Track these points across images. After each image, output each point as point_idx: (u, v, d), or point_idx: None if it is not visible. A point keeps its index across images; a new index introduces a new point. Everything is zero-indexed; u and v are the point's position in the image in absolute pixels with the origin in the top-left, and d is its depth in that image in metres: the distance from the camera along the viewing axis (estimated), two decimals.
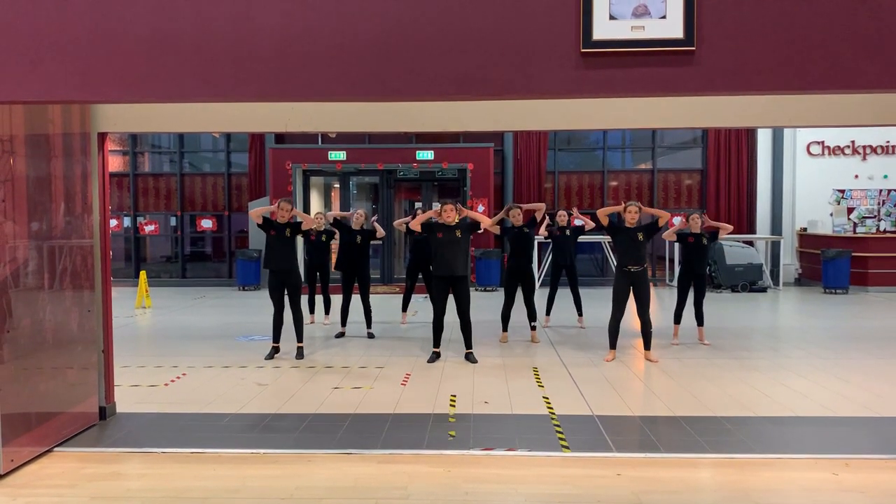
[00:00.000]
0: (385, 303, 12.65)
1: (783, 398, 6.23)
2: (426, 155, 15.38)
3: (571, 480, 4.33)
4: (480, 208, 15.22)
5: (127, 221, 17.04)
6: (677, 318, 8.87)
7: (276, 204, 7.97)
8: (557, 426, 5.40)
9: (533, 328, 9.06)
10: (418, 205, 16.05)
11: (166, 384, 6.85)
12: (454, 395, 6.28)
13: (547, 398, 6.21)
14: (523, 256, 8.88)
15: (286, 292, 7.98)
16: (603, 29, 3.54)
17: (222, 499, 4.08)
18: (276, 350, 8.01)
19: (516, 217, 8.89)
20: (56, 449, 4.90)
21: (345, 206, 16.72)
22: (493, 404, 6.03)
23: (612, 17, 3.54)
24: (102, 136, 5.54)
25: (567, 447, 4.93)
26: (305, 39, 3.66)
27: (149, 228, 17.01)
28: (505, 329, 9.07)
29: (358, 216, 9.39)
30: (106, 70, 3.71)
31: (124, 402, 5.98)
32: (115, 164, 16.85)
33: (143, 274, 12.84)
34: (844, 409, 5.91)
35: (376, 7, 3.65)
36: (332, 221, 9.55)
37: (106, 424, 5.51)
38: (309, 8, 3.66)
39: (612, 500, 4.01)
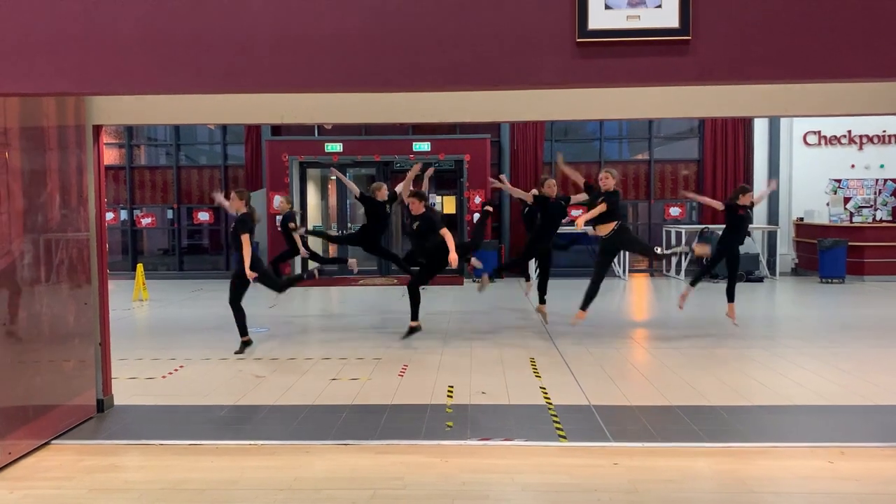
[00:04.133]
0: (382, 294, 12.66)
1: (779, 387, 6.25)
2: (423, 146, 15.34)
3: (568, 470, 4.34)
4: (477, 199, 15.22)
5: (124, 214, 16.99)
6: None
7: None
8: (554, 416, 5.42)
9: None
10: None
11: (164, 376, 6.85)
12: (451, 386, 6.30)
13: (544, 388, 6.23)
14: (552, 229, 8.98)
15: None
16: (598, 18, 3.53)
17: (220, 490, 4.09)
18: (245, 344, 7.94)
19: (551, 188, 8.88)
20: (54, 442, 4.90)
21: (341, 198, 16.72)
22: (490, 395, 6.04)
23: (607, 7, 3.53)
24: (97, 129, 5.52)
25: (564, 437, 4.94)
26: (301, 30, 3.65)
27: (145, 221, 16.98)
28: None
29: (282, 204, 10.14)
30: (100, 62, 3.69)
31: (122, 394, 5.98)
32: (112, 156, 16.79)
33: (140, 267, 12.82)
34: (840, 397, 5.93)
35: None
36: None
37: (103, 417, 5.51)
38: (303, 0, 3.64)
39: (608, 490, 4.03)
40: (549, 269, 9.30)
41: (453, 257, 7.75)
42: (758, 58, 3.55)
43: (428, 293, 10.71)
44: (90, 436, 5.09)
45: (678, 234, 15.32)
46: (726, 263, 8.78)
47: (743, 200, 8.67)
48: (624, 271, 15.36)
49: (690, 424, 5.16)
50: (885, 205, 15.79)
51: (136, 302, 12.26)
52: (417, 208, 8.06)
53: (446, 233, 7.96)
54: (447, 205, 16.48)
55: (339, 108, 5.37)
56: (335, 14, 3.63)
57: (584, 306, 8.07)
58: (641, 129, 16.69)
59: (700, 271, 8.95)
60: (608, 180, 7.80)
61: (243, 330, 7.91)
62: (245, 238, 7.58)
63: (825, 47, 3.53)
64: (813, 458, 4.51)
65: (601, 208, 7.65)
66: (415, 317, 8.25)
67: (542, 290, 9.31)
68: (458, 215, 15.88)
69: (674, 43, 3.56)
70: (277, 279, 8.44)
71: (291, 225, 10.14)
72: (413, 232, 8.11)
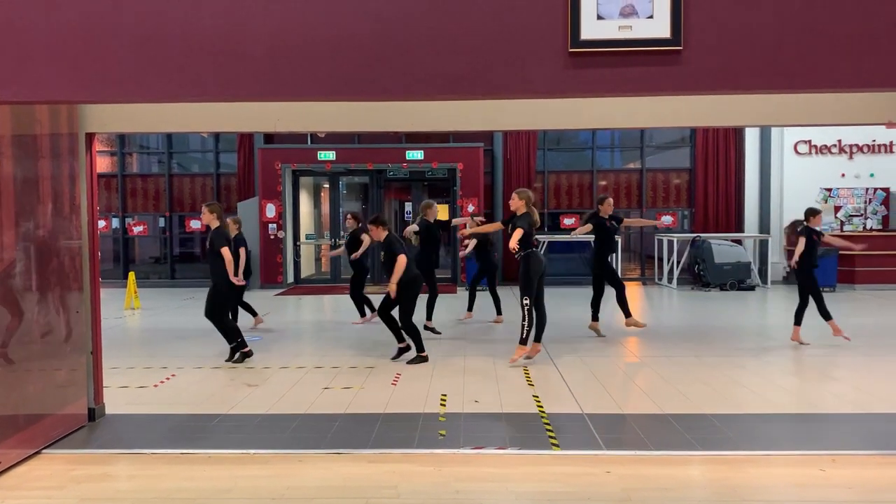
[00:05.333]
0: (375, 302, 12.61)
1: (771, 395, 6.27)
2: (416, 155, 15.38)
3: (561, 478, 4.34)
4: (471, 208, 15.24)
5: (115, 222, 16.95)
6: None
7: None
8: (547, 424, 5.42)
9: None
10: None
11: (156, 385, 6.82)
12: (444, 395, 6.29)
13: (537, 397, 6.23)
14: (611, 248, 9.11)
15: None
16: (591, 29, 3.56)
17: (213, 499, 4.07)
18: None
19: (609, 206, 9.05)
20: (45, 451, 4.87)
21: (335, 206, 16.71)
22: (483, 403, 6.04)
23: (599, 17, 3.56)
24: (90, 137, 5.51)
25: (557, 445, 4.95)
26: (296, 39, 3.66)
27: (137, 229, 16.94)
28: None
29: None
30: (94, 70, 3.70)
31: (113, 403, 5.95)
32: (104, 164, 16.75)
33: (131, 275, 12.78)
34: (831, 405, 5.95)
35: (367, 7, 3.65)
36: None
37: (95, 426, 5.48)
38: (300, 8, 3.66)
39: (602, 498, 4.03)
40: (622, 286, 9.10)
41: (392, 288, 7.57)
42: (749, 68, 3.59)
43: (420, 301, 10.70)
44: (81, 445, 5.07)
45: (670, 243, 15.37)
46: (809, 290, 8.52)
47: (813, 223, 8.49)
48: None
49: (683, 432, 5.17)
50: (876, 213, 15.90)
51: (127, 310, 12.22)
52: (378, 236, 7.78)
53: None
54: (440, 213, 16.50)
55: (332, 117, 5.38)
56: (331, 24, 3.65)
57: (537, 338, 7.67)
58: (633, 139, 16.77)
59: (799, 308, 8.64)
60: (514, 202, 7.62)
61: (231, 338, 7.89)
62: (225, 251, 7.61)
63: (816, 58, 3.57)
64: (804, 465, 4.52)
65: (517, 234, 7.30)
66: (420, 348, 7.80)
67: (622, 305, 9.07)
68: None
69: (665, 53, 3.59)
70: (229, 324, 8.00)
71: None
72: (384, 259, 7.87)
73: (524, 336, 7.45)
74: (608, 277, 9.10)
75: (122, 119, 5.52)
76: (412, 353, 7.75)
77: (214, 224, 7.76)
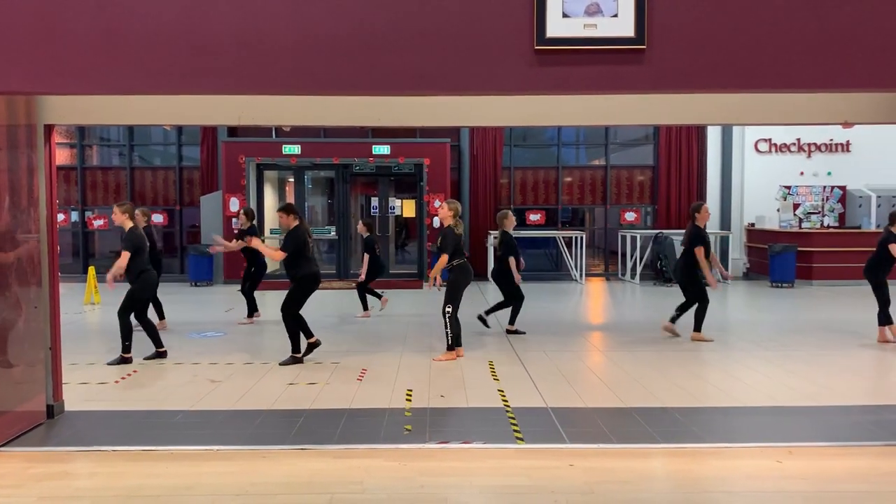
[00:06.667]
0: (340, 298, 12.59)
1: (731, 389, 6.39)
2: (382, 149, 15.30)
3: (526, 472, 4.39)
4: (437, 203, 15.25)
5: (75, 216, 16.62)
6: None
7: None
8: (512, 418, 5.46)
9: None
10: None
11: (117, 381, 6.72)
12: (410, 390, 6.30)
13: (502, 391, 6.27)
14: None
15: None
16: (556, 26, 3.60)
17: (176, 496, 4.03)
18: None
19: (705, 213, 8.69)
20: (2, 448, 4.77)
21: (300, 200, 16.58)
22: (448, 398, 6.06)
23: (565, 15, 3.60)
24: (49, 128, 5.39)
25: (521, 439, 4.99)
26: (262, 33, 3.64)
27: (98, 223, 16.63)
28: None
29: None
30: (54, 61, 3.63)
31: (73, 399, 5.85)
32: (63, 156, 16.41)
33: (91, 269, 12.55)
34: (789, 398, 6.09)
35: (334, 3, 3.64)
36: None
37: (54, 423, 5.39)
38: (266, 2, 3.63)
39: (565, 491, 4.08)
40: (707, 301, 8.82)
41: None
42: (711, 68, 3.65)
43: (387, 296, 10.72)
44: (40, 442, 4.98)
45: (633, 239, 15.55)
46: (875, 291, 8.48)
47: None
48: (581, 275, 15.53)
49: (645, 426, 5.25)
50: (833, 211, 16.27)
51: (87, 305, 12.01)
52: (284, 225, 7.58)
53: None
54: (406, 208, 16.49)
55: (298, 110, 5.34)
56: (299, 18, 3.63)
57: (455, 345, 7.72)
58: (598, 136, 16.94)
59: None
60: (442, 211, 7.68)
61: (125, 340, 7.55)
62: (124, 255, 7.39)
63: (776, 59, 3.64)
64: (762, 457, 4.62)
65: (442, 262, 7.55)
66: (309, 335, 7.62)
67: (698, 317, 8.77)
68: (418, 219, 15.88)
69: (629, 52, 3.64)
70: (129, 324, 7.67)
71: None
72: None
73: (450, 343, 7.63)
74: (697, 290, 8.66)
75: (82, 111, 5.41)
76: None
77: (128, 225, 7.54)
